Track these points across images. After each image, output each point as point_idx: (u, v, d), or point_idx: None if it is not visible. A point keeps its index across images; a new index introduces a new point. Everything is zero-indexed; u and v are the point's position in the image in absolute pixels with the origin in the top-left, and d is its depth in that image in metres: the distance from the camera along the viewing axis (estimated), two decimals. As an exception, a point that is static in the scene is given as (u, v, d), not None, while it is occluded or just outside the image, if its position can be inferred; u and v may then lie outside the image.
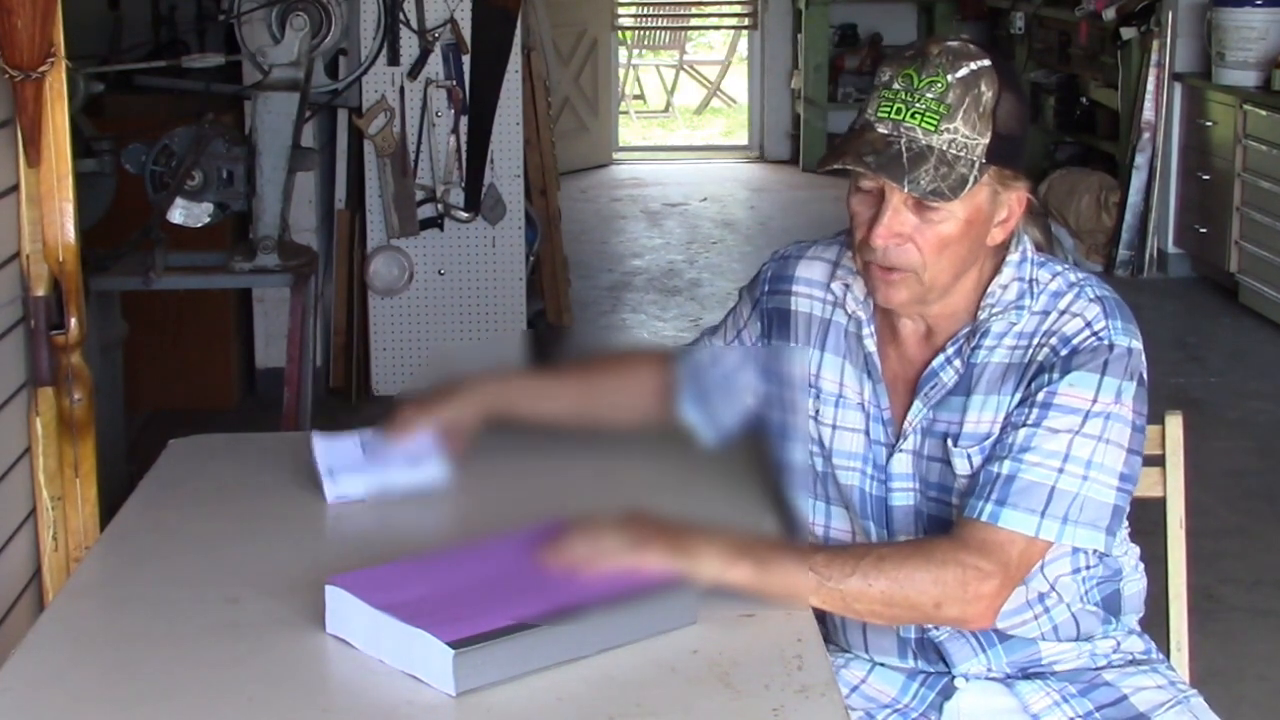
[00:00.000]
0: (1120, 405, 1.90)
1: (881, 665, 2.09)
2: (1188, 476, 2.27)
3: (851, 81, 10.18)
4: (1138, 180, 7.32)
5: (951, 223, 1.89)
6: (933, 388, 1.98)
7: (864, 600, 1.85)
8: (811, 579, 1.83)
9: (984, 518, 1.88)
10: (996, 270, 1.98)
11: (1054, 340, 1.93)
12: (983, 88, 1.87)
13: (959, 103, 1.86)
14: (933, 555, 1.86)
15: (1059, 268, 1.99)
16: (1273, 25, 6.77)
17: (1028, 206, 1.97)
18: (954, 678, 2.05)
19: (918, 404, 1.99)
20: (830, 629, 2.08)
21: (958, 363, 1.97)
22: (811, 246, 2.13)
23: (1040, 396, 1.90)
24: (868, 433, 2.03)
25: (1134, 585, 2.09)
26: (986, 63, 1.88)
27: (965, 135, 1.86)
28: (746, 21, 11.62)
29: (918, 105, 1.86)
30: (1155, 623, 2.22)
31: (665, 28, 12.89)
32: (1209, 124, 7.04)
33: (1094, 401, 1.89)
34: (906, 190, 1.85)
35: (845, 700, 1.79)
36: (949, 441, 1.97)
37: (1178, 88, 7.26)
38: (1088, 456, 1.88)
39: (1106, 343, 1.91)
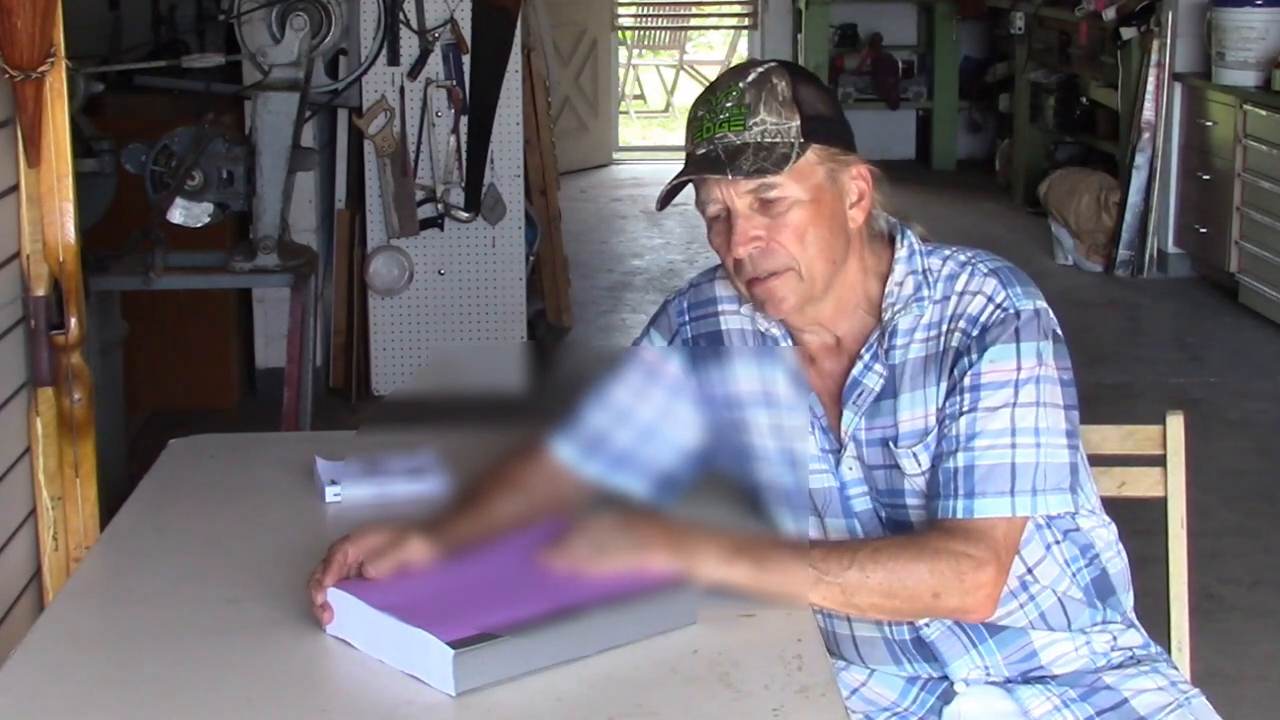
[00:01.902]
0: (1044, 366, 1.93)
1: (880, 670, 2.09)
2: (1188, 476, 2.27)
3: (851, 81, 10.18)
4: (1138, 180, 7.32)
5: (798, 208, 1.93)
6: (860, 395, 1.99)
7: (863, 593, 1.85)
8: (810, 574, 1.84)
9: (959, 514, 1.90)
10: (889, 270, 2.00)
11: (962, 322, 1.95)
12: (774, 80, 1.94)
13: (757, 99, 1.93)
14: (925, 546, 1.88)
15: (947, 252, 2.02)
16: (1273, 25, 6.77)
17: (875, 183, 1.99)
18: (953, 683, 2.05)
19: (848, 414, 2.00)
20: (827, 640, 2.08)
21: (878, 367, 1.99)
22: (719, 269, 2.11)
23: (966, 381, 1.92)
24: (815, 439, 2.04)
25: (1116, 564, 2.09)
26: (773, 64, 1.97)
27: (774, 122, 1.92)
28: (746, 21, 11.63)
29: (721, 116, 1.94)
30: (1155, 622, 2.22)
31: (665, 28, 12.89)
32: (1209, 124, 7.03)
33: (1018, 370, 1.91)
34: (731, 176, 1.90)
35: (845, 702, 1.79)
36: (890, 445, 1.98)
37: (1178, 88, 7.26)
38: (1033, 424, 1.90)
39: (1012, 311, 1.94)
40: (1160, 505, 2.27)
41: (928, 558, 1.86)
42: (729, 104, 1.93)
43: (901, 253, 2.01)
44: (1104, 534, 2.08)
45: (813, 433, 2.03)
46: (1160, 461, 2.26)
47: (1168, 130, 7.30)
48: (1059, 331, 1.98)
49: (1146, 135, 7.31)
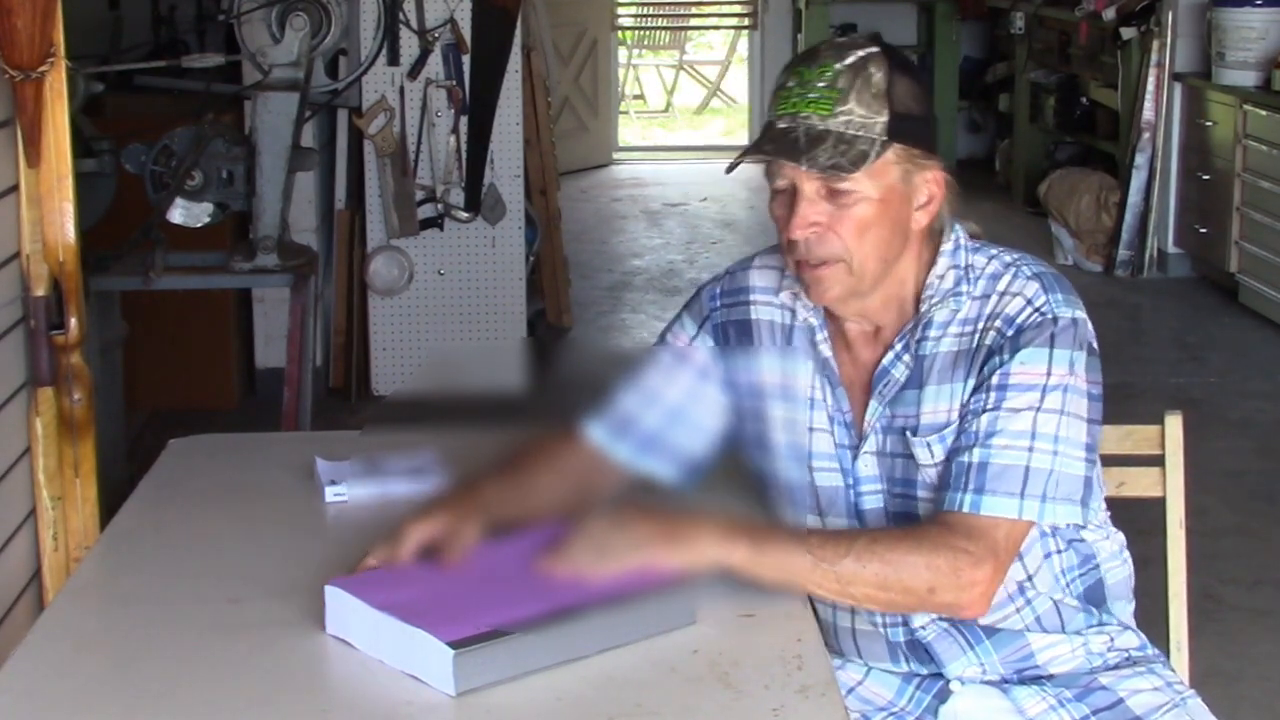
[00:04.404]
0: (1074, 376, 1.91)
1: (877, 669, 2.09)
2: (1188, 476, 2.27)
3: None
4: (1138, 180, 7.32)
5: (865, 204, 1.91)
6: (886, 385, 1.99)
7: (858, 583, 1.84)
8: (807, 559, 1.83)
9: (965, 509, 1.89)
10: (933, 262, 1.99)
11: (999, 322, 1.94)
12: (872, 70, 1.91)
13: (849, 86, 1.90)
14: (924, 540, 1.87)
15: (993, 251, 2.01)
16: (1273, 25, 6.77)
17: (947, 188, 1.98)
18: (949, 681, 2.05)
19: (874, 403, 2.00)
20: (824, 634, 2.07)
21: (907, 357, 1.98)
22: (756, 257, 2.12)
23: (995, 380, 1.92)
24: (833, 435, 2.03)
25: (1118, 573, 2.09)
26: (875, 49, 1.93)
27: (861, 115, 1.89)
28: (746, 21, 11.63)
29: (810, 95, 1.90)
30: (1155, 623, 2.22)
31: (665, 28, 12.89)
32: (1209, 124, 7.04)
33: (1048, 375, 1.90)
34: (804, 168, 1.88)
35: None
36: (908, 434, 1.98)
37: (1178, 88, 7.26)
38: (1054, 432, 1.89)
39: (1050, 316, 1.93)
40: (1159, 505, 2.27)
41: (925, 552, 1.85)
42: (821, 84, 1.90)
43: (947, 246, 2.00)
44: (1107, 545, 2.07)
45: (831, 429, 2.03)
46: (1159, 461, 2.26)
47: (1168, 130, 7.30)
48: (1095, 345, 1.96)
49: (1146, 135, 7.31)
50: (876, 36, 2.00)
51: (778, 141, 1.90)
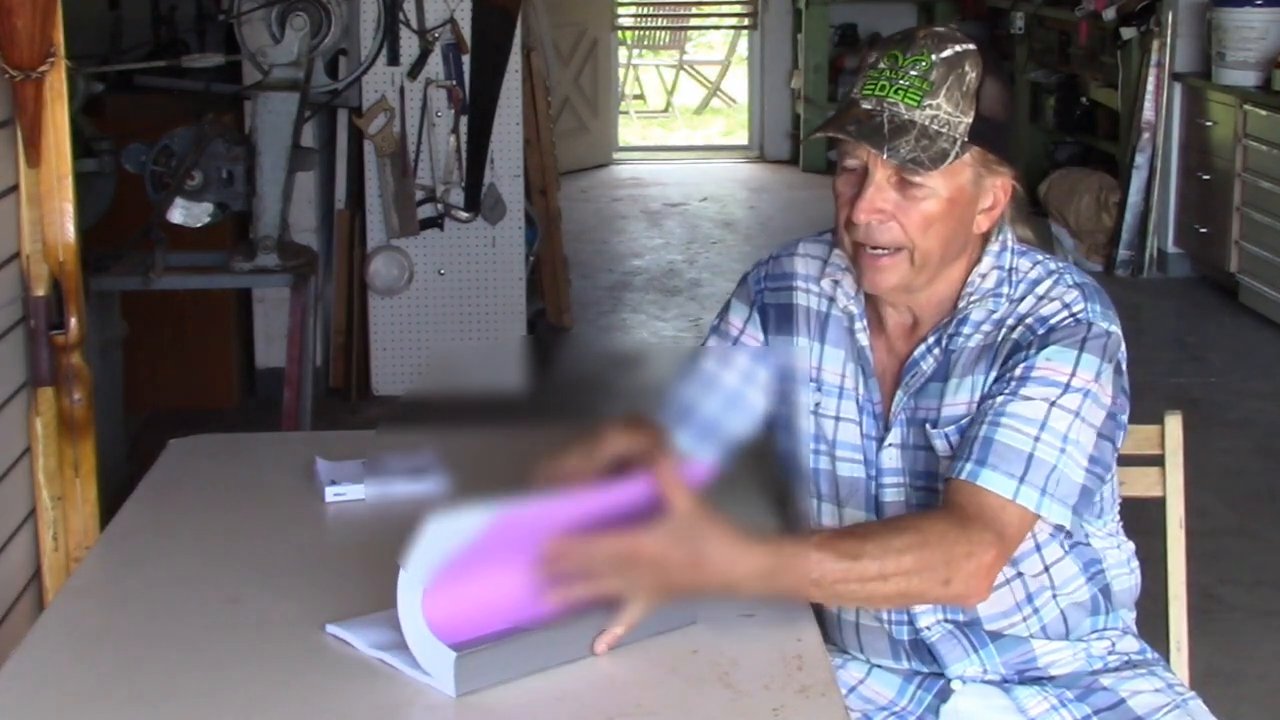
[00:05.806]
0: (1098, 385, 1.91)
1: (878, 667, 2.09)
2: (1188, 476, 2.27)
3: (851, 81, 10.17)
4: (1138, 180, 7.32)
5: (934, 200, 1.91)
6: (913, 376, 2.00)
7: (878, 599, 1.81)
8: (825, 593, 1.78)
9: (964, 476, 1.87)
10: (977, 260, 1.99)
11: (1030, 320, 1.94)
12: (966, 68, 1.90)
13: (942, 80, 1.89)
14: (943, 539, 1.80)
15: (1039, 257, 2.01)
16: (1273, 25, 6.77)
17: (1013, 196, 1.98)
18: (950, 680, 2.05)
19: (900, 393, 2.00)
20: (826, 628, 2.08)
21: (937, 351, 1.99)
22: (800, 244, 2.13)
23: (1018, 371, 1.91)
24: (860, 425, 2.03)
25: (1125, 581, 2.09)
26: (971, 47, 1.92)
27: (947, 112, 1.89)
28: (746, 21, 11.63)
29: (901, 82, 1.90)
30: (1155, 623, 2.22)
31: (665, 28, 12.90)
32: (1209, 124, 7.04)
33: (1072, 376, 1.90)
34: (886, 157, 1.87)
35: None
36: (928, 426, 1.98)
37: (1178, 88, 7.26)
38: (1064, 430, 1.88)
39: (1085, 322, 1.93)
40: (1159, 505, 2.27)
41: (941, 548, 1.79)
42: (914, 72, 1.89)
43: (993, 246, 2.00)
44: (1115, 554, 2.07)
45: (859, 419, 2.03)
46: (1159, 461, 2.27)
47: (1168, 130, 7.30)
48: (1124, 365, 1.96)
49: (1146, 135, 7.31)
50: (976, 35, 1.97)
51: (861, 124, 1.89)
